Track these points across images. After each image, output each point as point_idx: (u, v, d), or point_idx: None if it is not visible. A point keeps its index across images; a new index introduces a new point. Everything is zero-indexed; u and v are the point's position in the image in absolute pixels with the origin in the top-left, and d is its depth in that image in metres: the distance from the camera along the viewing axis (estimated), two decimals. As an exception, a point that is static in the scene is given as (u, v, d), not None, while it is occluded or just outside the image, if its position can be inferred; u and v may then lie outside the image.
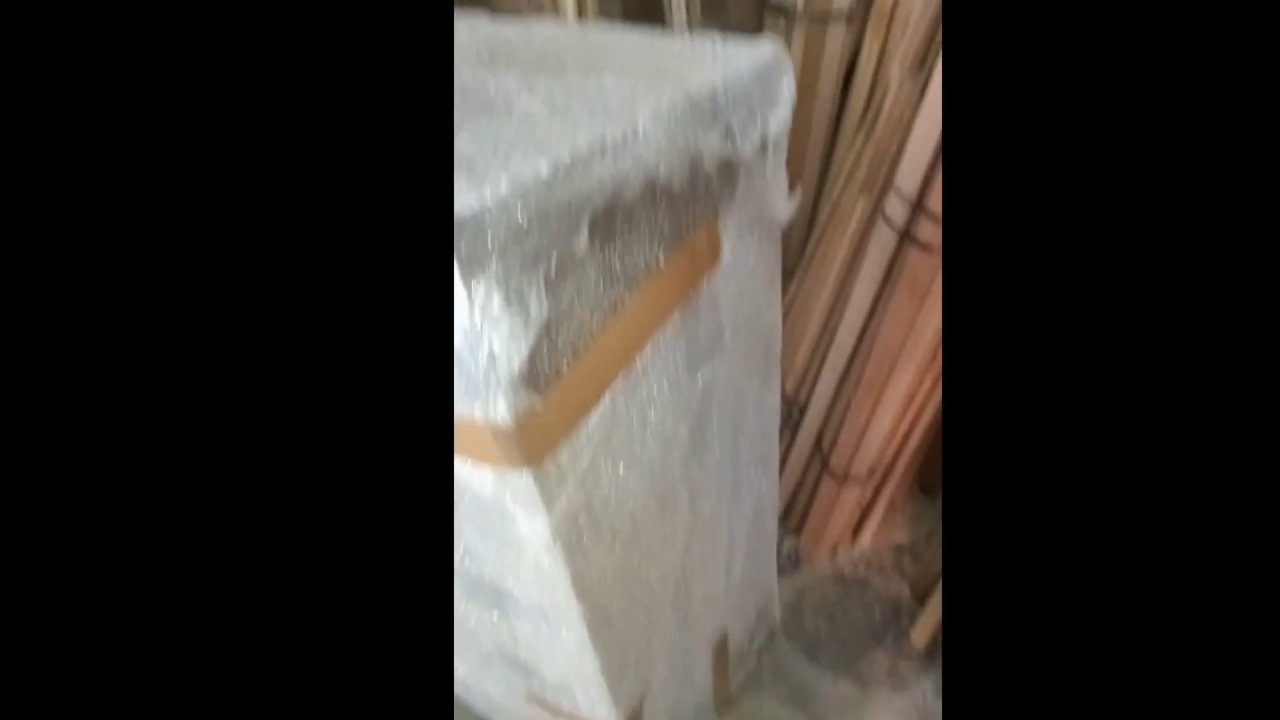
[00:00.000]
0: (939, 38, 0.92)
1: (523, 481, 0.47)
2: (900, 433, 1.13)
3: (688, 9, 1.30)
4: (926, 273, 0.92)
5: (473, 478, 0.49)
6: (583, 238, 0.42)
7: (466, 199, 0.35)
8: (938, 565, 1.19)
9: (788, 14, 1.19)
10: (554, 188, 0.39)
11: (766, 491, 0.93)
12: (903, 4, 1.00)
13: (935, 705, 1.09)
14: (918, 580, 1.26)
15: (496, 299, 0.37)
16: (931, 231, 0.89)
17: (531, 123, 0.43)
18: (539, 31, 0.67)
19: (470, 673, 0.90)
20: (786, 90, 0.57)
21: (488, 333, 0.38)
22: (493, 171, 0.38)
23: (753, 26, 1.37)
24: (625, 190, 0.44)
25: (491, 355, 0.39)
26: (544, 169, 0.38)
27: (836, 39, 1.15)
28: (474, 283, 0.36)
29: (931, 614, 1.14)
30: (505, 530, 0.53)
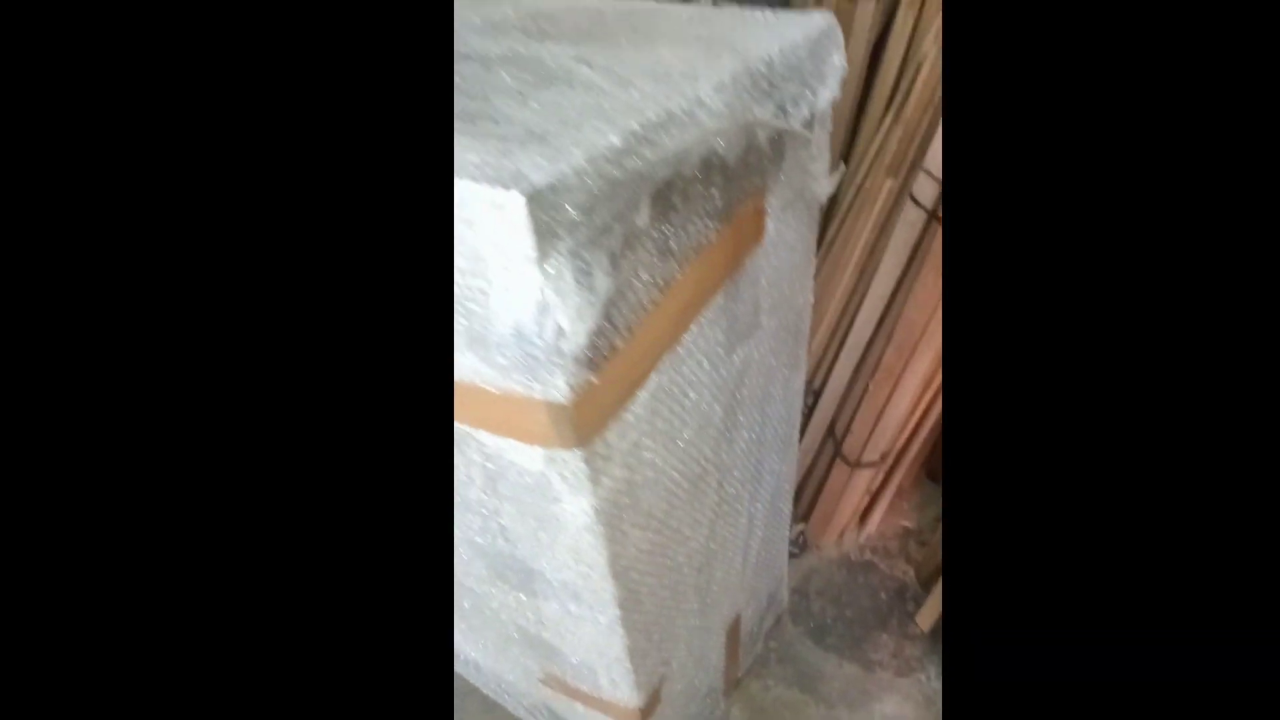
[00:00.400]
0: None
1: (572, 461, 0.46)
2: (914, 419, 1.13)
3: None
4: (952, 258, 0.91)
5: (519, 456, 0.48)
6: (645, 211, 0.41)
7: (541, 170, 0.34)
8: (938, 550, 1.20)
9: (815, -13, 1.17)
10: (624, 160, 0.37)
11: (785, 474, 0.93)
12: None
13: (939, 687, 1.10)
14: (923, 565, 1.26)
15: (568, 273, 0.36)
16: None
17: (597, 94, 0.42)
18: (582, 3, 0.65)
19: (486, 655, 0.90)
20: (838, 63, 0.56)
21: (556, 307, 0.37)
22: (565, 142, 0.36)
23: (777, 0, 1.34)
24: (685, 163, 0.43)
25: (560, 331, 0.37)
26: (615, 139, 0.37)
27: (866, 14, 1.12)
28: (547, 255, 0.35)
29: (936, 598, 1.15)
30: (546, 509, 0.52)
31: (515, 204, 0.33)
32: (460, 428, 0.51)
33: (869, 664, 1.14)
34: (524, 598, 0.69)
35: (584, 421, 0.44)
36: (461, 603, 0.81)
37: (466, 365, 0.44)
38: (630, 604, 0.61)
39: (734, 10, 0.60)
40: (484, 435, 0.49)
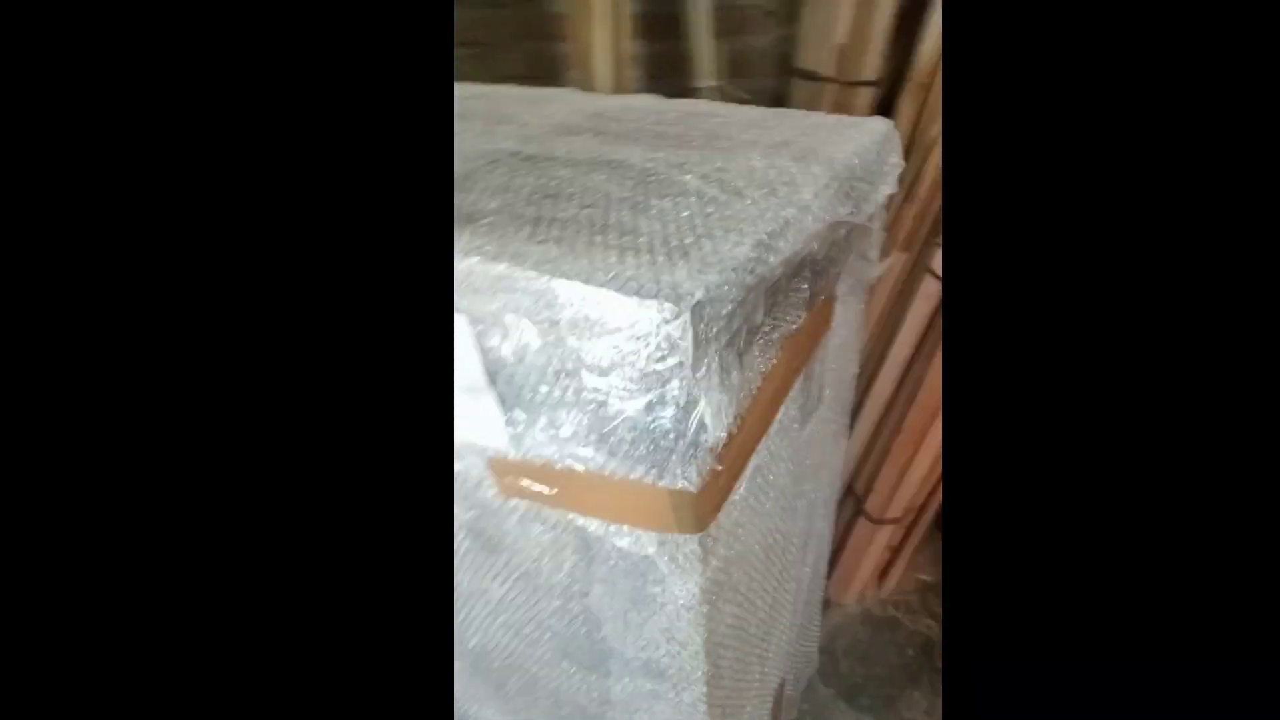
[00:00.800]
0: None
1: (687, 545, 0.48)
2: (934, 476, 1.17)
3: (716, 71, 1.35)
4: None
5: (628, 542, 0.50)
6: (761, 310, 0.44)
7: (696, 282, 0.37)
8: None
9: (816, 78, 1.25)
10: (755, 267, 0.41)
11: (826, 537, 0.95)
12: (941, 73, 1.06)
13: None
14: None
15: (714, 375, 0.39)
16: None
17: (715, 204, 0.45)
18: (638, 104, 0.70)
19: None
20: (896, 162, 0.61)
21: (702, 406, 0.39)
22: (707, 254, 0.40)
23: (776, 89, 1.43)
24: (792, 263, 0.47)
25: (703, 426, 0.40)
26: (749, 249, 0.40)
27: (865, 105, 1.21)
28: (700, 362, 0.38)
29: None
30: (643, 591, 0.54)
31: (679, 318, 0.36)
32: (556, 514, 0.52)
33: (904, 723, 1.15)
34: (593, 678, 0.69)
35: (704, 508, 0.46)
36: (506, 682, 0.80)
37: (587, 457, 0.46)
38: (714, 680, 0.62)
39: (790, 114, 0.65)
40: (587, 520, 0.51)
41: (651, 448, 0.42)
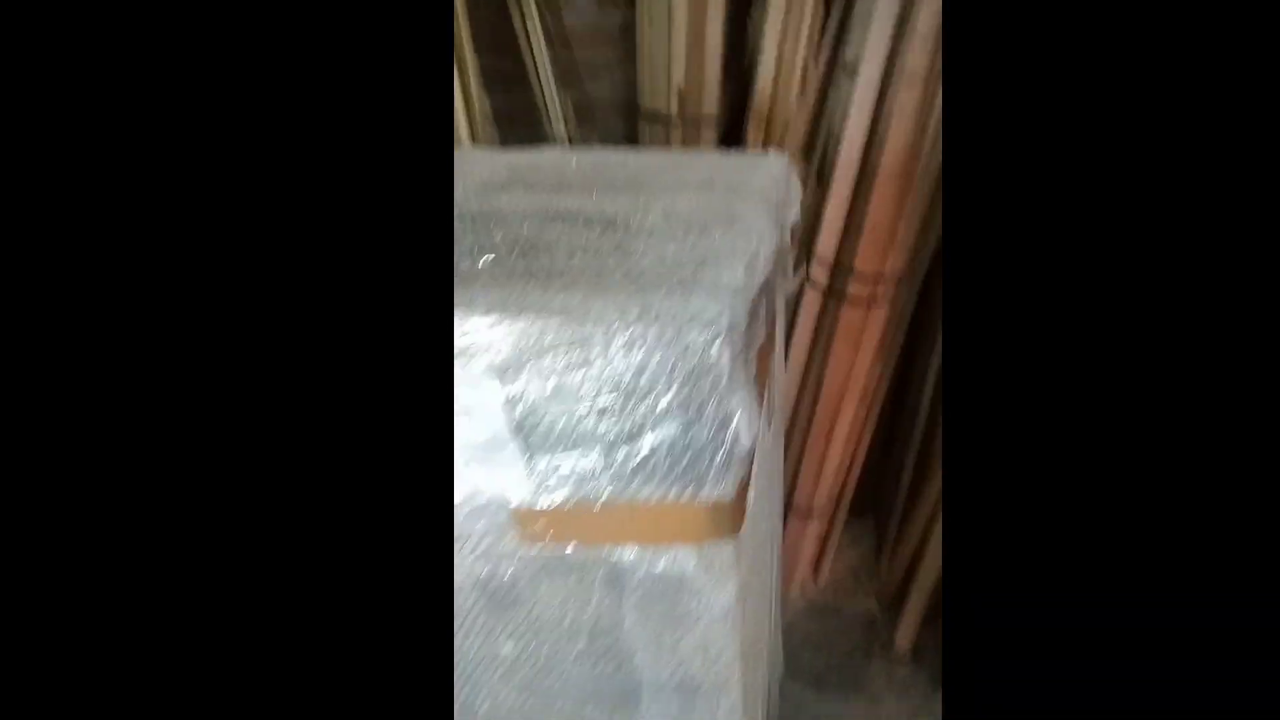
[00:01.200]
0: (822, 127, 1.12)
1: (723, 555, 0.51)
2: (845, 464, 1.28)
3: (565, 121, 1.43)
4: (857, 322, 1.09)
5: (664, 563, 0.52)
6: (750, 327, 0.50)
7: (717, 305, 0.42)
8: (895, 575, 1.34)
9: (663, 119, 1.37)
10: (747, 290, 0.46)
11: (780, 536, 1.02)
12: (779, 103, 1.21)
13: (939, 698, 1.21)
14: (881, 593, 1.40)
15: (745, 389, 0.43)
16: (858, 288, 1.07)
17: (688, 240, 0.51)
18: (549, 158, 0.74)
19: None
20: (798, 189, 0.70)
21: (740, 420, 0.44)
22: (712, 283, 0.45)
23: (623, 132, 1.53)
24: (763, 285, 0.53)
25: (737, 437, 0.44)
26: (741, 275, 0.46)
27: (711, 140, 1.34)
28: (736, 379, 0.42)
29: (905, 619, 1.28)
30: (678, 609, 0.56)
31: (718, 339, 0.40)
32: (580, 555, 0.54)
33: (872, 696, 1.23)
34: (618, 718, 0.70)
35: (736, 516, 0.50)
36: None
37: (620, 488, 0.48)
38: (746, 689, 0.65)
39: (685, 157, 0.72)
40: (618, 553, 0.53)
41: (690, 465, 0.46)
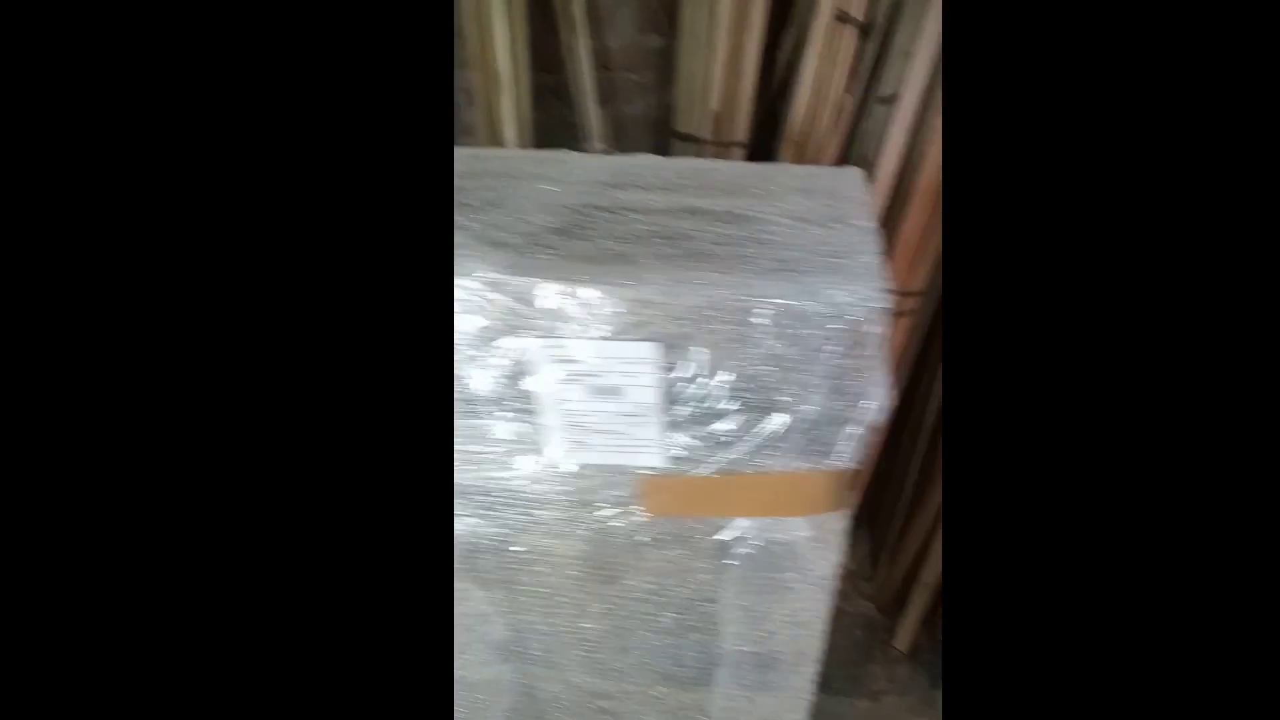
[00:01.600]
0: (853, 154, 1.20)
1: (834, 524, 0.56)
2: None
3: (598, 135, 1.48)
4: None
5: (779, 532, 0.56)
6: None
7: (872, 285, 0.47)
8: (893, 578, 1.41)
9: (695, 140, 1.43)
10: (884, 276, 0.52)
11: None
12: (814, 130, 1.29)
13: (936, 694, 1.27)
14: (877, 596, 1.46)
15: (886, 362, 0.48)
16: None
17: (815, 233, 0.55)
18: (646, 163, 0.77)
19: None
20: (872, 199, 0.76)
21: (879, 390, 0.49)
22: (857, 268, 0.50)
23: (657, 150, 1.58)
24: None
25: (870, 410, 0.49)
26: (876, 262, 0.51)
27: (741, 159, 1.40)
28: (880, 352, 0.47)
29: (907, 619, 1.34)
30: (777, 579, 0.60)
31: (871, 317, 0.45)
32: (689, 526, 0.58)
33: (874, 695, 1.28)
34: (686, 698, 0.73)
35: (849, 485, 0.55)
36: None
37: (748, 459, 0.52)
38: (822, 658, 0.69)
39: (764, 167, 0.77)
40: (727, 524, 0.57)
41: (823, 437, 0.51)
